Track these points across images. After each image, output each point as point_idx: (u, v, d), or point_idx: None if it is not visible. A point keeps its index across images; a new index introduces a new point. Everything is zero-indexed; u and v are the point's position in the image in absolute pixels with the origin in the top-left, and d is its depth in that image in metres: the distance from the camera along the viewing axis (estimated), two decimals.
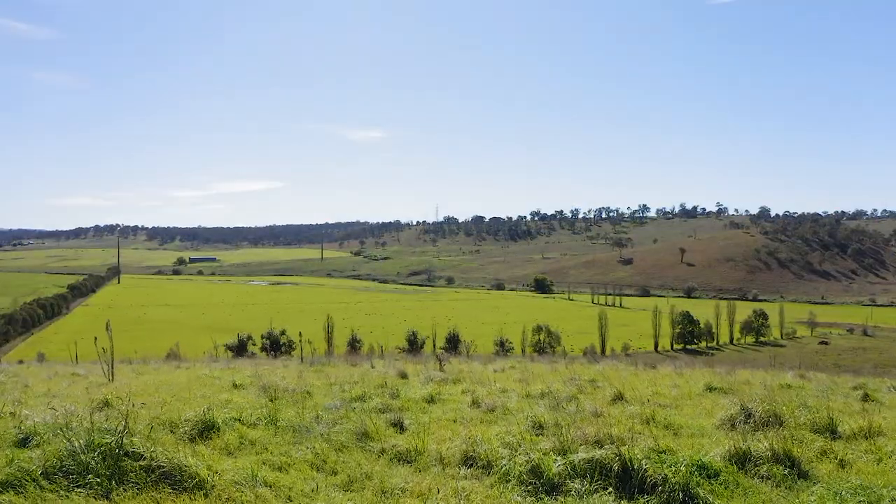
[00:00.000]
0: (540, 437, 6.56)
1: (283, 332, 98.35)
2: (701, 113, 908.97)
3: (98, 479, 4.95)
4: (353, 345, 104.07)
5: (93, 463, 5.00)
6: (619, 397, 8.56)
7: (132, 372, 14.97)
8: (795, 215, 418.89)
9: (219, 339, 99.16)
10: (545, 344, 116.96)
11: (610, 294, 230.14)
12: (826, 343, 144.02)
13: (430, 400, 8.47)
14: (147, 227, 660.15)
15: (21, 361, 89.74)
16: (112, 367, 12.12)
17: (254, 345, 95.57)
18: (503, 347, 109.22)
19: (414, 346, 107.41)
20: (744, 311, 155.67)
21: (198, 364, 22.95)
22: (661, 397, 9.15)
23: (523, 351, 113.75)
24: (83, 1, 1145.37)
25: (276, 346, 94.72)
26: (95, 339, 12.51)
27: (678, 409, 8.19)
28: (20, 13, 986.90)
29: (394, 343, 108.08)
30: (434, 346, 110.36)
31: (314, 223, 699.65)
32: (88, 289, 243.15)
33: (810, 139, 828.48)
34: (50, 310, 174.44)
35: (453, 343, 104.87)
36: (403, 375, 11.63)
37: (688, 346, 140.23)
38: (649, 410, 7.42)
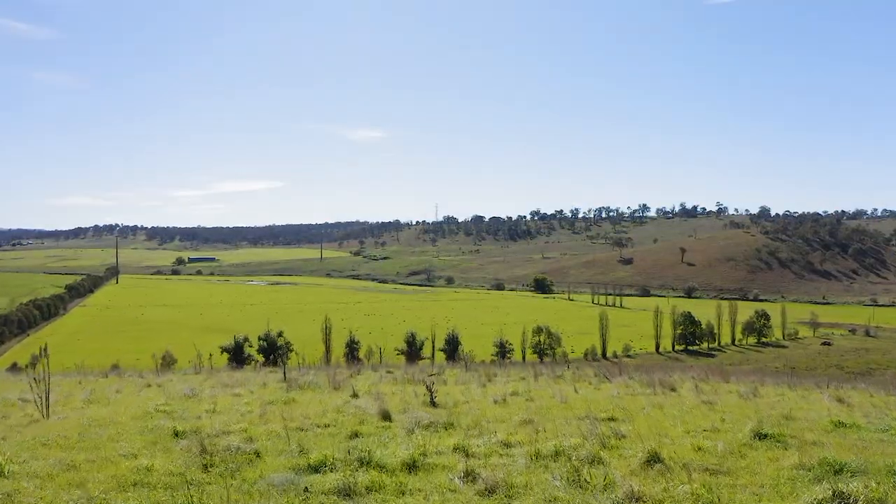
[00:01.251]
0: None
1: (280, 334, 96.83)
2: (701, 113, 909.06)
3: None
4: (351, 347, 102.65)
5: None
6: (654, 458, 6.75)
7: (84, 401, 13.14)
8: (796, 215, 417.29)
9: (216, 339, 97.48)
10: (545, 346, 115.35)
11: (610, 294, 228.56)
12: (829, 344, 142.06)
13: (412, 466, 6.54)
14: (146, 227, 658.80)
15: (15, 365, 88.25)
16: (47, 401, 10.37)
17: (250, 346, 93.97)
18: (503, 350, 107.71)
19: (413, 347, 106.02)
20: (745, 311, 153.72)
21: (173, 380, 21.16)
22: (705, 455, 7.30)
23: (523, 354, 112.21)
24: (83, 1, 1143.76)
25: (273, 348, 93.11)
26: (34, 364, 10.68)
27: (733, 477, 6.34)
28: (20, 13, 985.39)
29: (393, 344, 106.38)
30: (433, 348, 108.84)
31: (314, 223, 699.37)
32: (87, 289, 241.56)
33: (810, 139, 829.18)
34: (47, 310, 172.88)
35: (452, 346, 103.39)
36: (386, 416, 9.77)
37: (689, 347, 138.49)
38: (702, 487, 5.56)
